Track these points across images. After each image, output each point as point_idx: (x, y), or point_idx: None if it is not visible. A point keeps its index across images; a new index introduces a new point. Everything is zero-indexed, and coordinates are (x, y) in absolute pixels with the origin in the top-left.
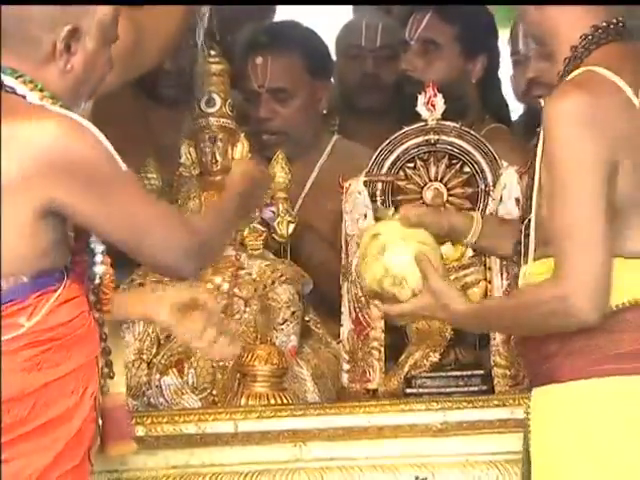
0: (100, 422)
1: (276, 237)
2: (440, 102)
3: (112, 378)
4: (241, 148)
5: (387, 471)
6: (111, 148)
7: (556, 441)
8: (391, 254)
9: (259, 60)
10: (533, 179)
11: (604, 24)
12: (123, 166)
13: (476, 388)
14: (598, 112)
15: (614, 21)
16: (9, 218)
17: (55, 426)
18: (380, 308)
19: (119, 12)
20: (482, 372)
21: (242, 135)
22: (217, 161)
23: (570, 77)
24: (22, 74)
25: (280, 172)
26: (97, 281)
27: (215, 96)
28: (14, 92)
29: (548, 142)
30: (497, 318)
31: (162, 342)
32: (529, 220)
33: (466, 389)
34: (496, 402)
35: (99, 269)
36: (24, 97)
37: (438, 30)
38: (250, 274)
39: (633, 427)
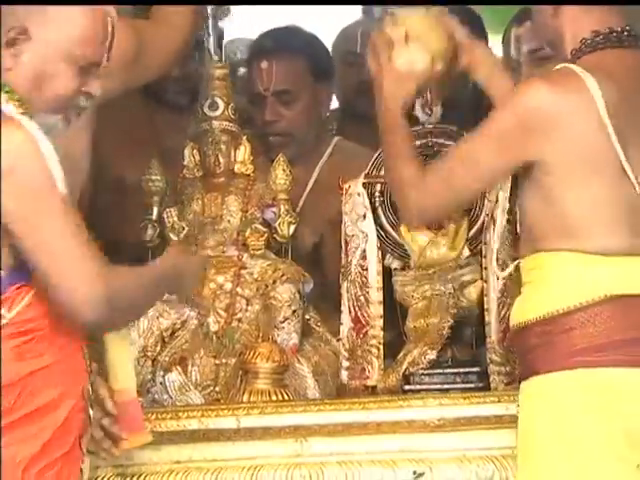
0: (91, 412)
1: (277, 237)
2: (437, 106)
3: (102, 374)
4: (243, 151)
5: (386, 466)
6: (57, 169)
7: (535, 430)
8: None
9: (264, 64)
10: (515, 177)
11: (606, 30)
12: (63, 190)
13: (472, 385)
14: (551, 106)
15: (618, 29)
16: None
17: (41, 415)
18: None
19: (93, 37)
20: (478, 369)
21: (244, 138)
22: (220, 163)
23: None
24: None
25: (281, 174)
26: None
27: (218, 100)
28: None
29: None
30: (392, 156)
31: (166, 340)
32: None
33: (463, 386)
34: (492, 398)
35: None
36: None
37: None
38: (252, 274)
39: (595, 416)
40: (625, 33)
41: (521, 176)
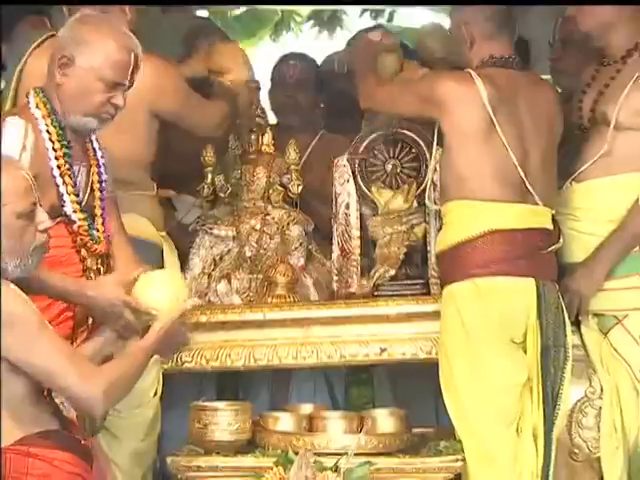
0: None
1: (290, 194)
2: None
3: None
4: (268, 136)
5: (362, 344)
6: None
7: (445, 322)
8: None
9: (292, 61)
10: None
11: (499, 55)
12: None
13: (419, 291)
14: (450, 91)
15: (507, 55)
16: None
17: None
18: None
19: (119, 64)
20: (423, 281)
21: (268, 128)
22: (252, 145)
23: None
24: (37, 87)
25: (293, 152)
26: (75, 227)
27: None
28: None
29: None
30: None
31: (217, 262)
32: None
33: (412, 292)
34: (432, 301)
35: (74, 217)
36: (28, 100)
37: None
38: (274, 218)
39: (481, 309)
40: (511, 59)
41: (442, 149)
